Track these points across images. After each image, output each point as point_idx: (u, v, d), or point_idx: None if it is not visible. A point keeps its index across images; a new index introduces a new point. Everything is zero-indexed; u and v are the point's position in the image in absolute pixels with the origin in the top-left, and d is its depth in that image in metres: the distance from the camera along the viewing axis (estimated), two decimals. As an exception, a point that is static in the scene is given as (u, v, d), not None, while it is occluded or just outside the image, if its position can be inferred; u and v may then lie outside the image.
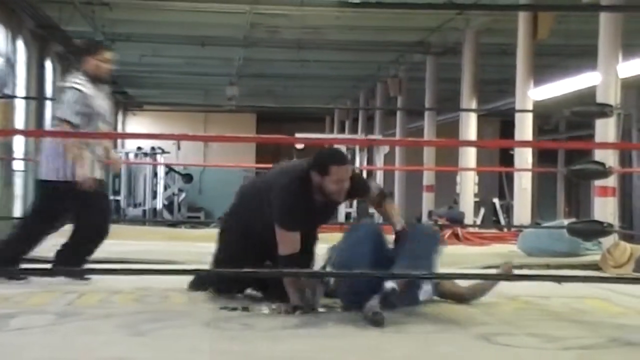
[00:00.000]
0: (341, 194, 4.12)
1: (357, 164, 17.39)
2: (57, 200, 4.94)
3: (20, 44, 13.59)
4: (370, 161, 17.27)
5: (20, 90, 13.60)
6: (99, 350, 3.11)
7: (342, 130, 24.74)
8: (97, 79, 5.02)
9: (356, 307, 3.84)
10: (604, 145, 7.93)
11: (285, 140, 17.59)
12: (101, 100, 5.06)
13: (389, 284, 3.80)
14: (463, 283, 4.41)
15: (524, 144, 11.04)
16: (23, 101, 13.70)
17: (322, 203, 4.14)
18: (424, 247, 4.15)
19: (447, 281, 4.35)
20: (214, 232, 5.08)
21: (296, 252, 4.00)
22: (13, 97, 12.76)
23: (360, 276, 3.94)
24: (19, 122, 13.32)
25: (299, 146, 20.50)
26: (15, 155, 12.91)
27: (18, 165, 13.24)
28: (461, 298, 4.34)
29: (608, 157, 7.41)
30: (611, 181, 7.93)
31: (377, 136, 19.29)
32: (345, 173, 4.06)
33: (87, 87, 4.98)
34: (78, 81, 4.98)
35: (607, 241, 6.83)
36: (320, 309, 4.02)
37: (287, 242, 4.01)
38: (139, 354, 3.06)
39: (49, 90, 15.60)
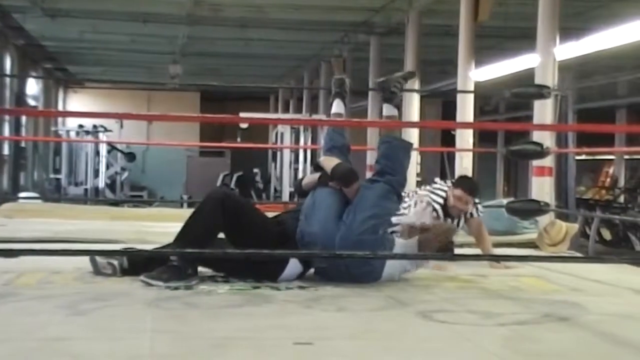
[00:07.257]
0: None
1: (302, 143, 17.43)
2: None
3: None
4: (314, 140, 17.31)
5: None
6: (38, 331, 3.08)
7: (286, 109, 24.68)
8: None
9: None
10: (542, 127, 8.09)
11: (230, 119, 17.46)
12: None
13: None
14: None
15: (465, 125, 11.17)
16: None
17: None
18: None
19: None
20: (157, 211, 5.05)
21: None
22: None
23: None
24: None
25: (243, 125, 20.42)
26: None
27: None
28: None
29: (545, 138, 7.56)
30: (548, 161, 8.09)
31: (321, 116, 19.29)
32: None
33: None
34: None
35: (544, 220, 7.01)
36: (265, 291, 4.04)
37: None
38: (78, 334, 3.04)
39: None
